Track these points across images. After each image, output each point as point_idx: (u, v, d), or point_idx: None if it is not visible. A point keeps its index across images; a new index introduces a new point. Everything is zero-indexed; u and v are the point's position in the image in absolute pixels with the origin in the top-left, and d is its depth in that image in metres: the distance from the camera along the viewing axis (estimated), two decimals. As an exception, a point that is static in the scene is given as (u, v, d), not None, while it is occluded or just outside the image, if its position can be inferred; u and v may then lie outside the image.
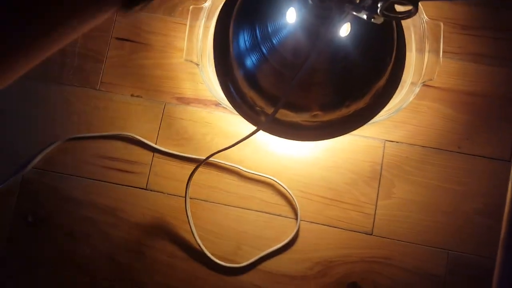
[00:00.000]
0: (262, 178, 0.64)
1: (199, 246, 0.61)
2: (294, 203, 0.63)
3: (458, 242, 0.61)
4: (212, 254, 0.62)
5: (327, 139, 0.57)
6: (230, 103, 0.54)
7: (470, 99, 0.64)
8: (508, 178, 0.61)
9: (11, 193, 0.66)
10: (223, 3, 0.56)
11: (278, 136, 0.55)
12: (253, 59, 0.47)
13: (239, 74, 0.51)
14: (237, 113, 0.55)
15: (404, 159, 0.63)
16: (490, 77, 0.64)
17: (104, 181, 0.65)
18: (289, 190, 0.63)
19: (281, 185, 0.63)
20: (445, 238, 0.61)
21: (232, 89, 0.54)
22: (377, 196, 0.63)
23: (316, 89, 0.49)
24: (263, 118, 0.53)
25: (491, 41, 0.64)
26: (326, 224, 0.62)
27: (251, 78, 0.50)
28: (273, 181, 0.63)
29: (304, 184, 0.63)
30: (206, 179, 0.64)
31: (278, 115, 0.50)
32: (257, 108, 0.53)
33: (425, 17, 0.57)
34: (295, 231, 0.62)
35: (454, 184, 0.62)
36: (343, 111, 0.52)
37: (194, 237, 0.61)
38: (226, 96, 0.54)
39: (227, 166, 0.64)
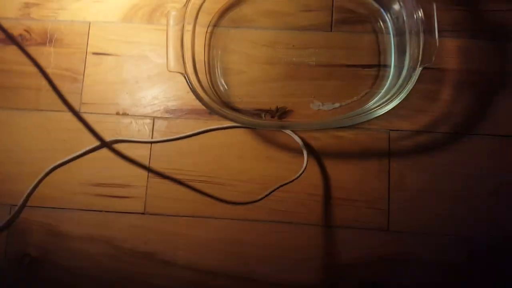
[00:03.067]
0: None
1: None
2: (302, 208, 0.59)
3: (476, 227, 0.58)
4: None
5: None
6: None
7: (472, 77, 0.61)
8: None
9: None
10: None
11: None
12: None
13: None
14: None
15: (411, 148, 0.60)
16: (491, 52, 0.62)
17: (97, 210, 0.61)
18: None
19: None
20: (463, 224, 0.59)
21: None
22: (389, 189, 0.60)
23: None
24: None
25: (490, 15, 0.62)
26: (339, 226, 0.59)
27: None
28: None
29: (313, 186, 0.60)
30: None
31: None
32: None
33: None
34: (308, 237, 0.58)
35: (465, 168, 0.60)
36: None
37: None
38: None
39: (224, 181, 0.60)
